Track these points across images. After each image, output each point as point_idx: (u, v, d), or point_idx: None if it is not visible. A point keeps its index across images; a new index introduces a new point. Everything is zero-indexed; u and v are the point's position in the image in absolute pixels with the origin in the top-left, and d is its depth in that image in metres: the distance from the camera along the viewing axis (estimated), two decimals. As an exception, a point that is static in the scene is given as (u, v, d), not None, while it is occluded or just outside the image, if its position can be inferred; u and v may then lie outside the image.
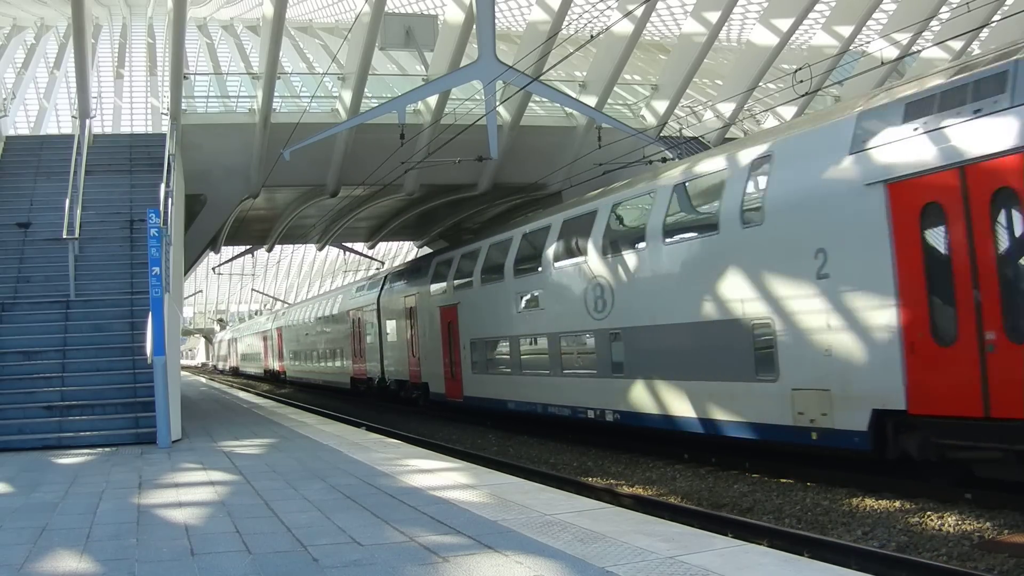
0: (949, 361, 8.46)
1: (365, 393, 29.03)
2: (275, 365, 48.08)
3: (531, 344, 17.03)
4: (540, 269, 16.11)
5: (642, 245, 13.24)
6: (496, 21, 17.16)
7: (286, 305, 57.56)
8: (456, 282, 20.06)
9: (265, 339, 51.76)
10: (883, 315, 9.08)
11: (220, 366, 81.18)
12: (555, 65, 18.25)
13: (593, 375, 14.57)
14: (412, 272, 24.32)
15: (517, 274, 17.08)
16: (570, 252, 15.34)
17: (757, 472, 11.35)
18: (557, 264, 15.56)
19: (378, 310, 26.34)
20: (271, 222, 27.54)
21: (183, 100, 18.38)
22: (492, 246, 18.60)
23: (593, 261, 14.38)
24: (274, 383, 47.60)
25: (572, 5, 18.37)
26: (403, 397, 24.49)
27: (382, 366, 26.14)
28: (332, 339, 33.68)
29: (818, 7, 20.64)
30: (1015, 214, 8.05)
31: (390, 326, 25.51)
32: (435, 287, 21.39)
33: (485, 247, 18.88)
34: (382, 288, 26.49)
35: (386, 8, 18.60)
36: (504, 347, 17.85)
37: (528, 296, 16.77)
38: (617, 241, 14.09)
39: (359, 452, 10.57)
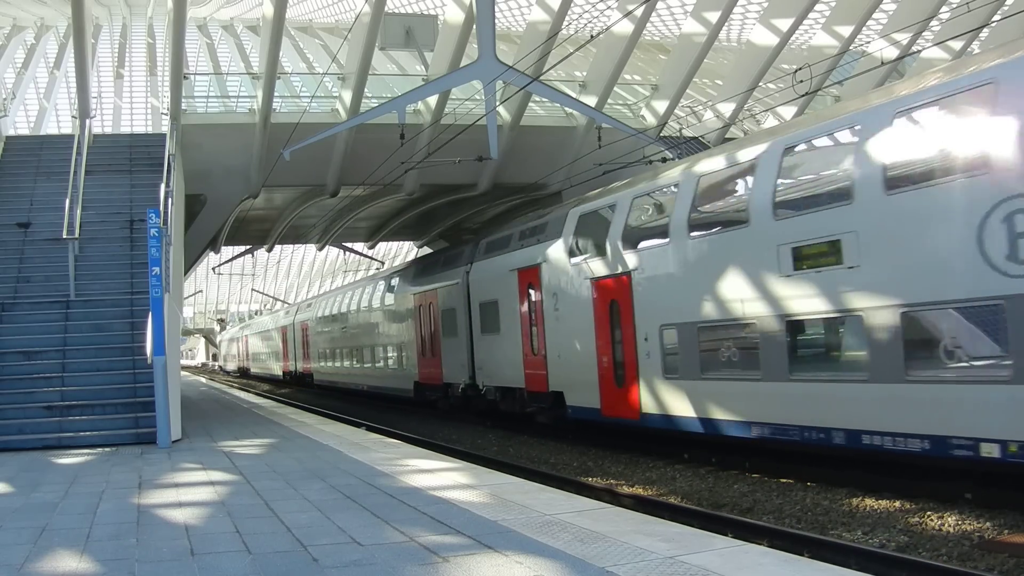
0: None
1: (437, 404, 22.06)
2: (298, 366, 40.50)
3: (818, 329, 10.69)
4: (851, 198, 9.56)
5: None
6: (496, 21, 17.18)
7: (311, 296, 50.61)
8: (627, 241, 13.42)
9: (285, 335, 43.86)
10: None
11: (226, 367, 74.74)
12: (555, 65, 18.25)
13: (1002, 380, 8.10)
14: (528, 235, 17.00)
15: (786, 212, 10.56)
16: (947, 162, 8.79)
17: (757, 472, 11.36)
18: (897, 190, 9.09)
19: (467, 290, 19.54)
20: (271, 222, 27.54)
21: (183, 100, 18.37)
22: (708, 178, 12.22)
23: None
24: (297, 387, 40.87)
25: (572, 5, 18.37)
26: (505, 411, 18.12)
27: (472, 367, 19.36)
28: (384, 333, 26.74)
29: (818, 7, 20.64)
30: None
31: (487, 312, 18.55)
32: (579, 251, 14.81)
33: (693, 181, 12.32)
34: (472, 262, 19.64)
35: (386, 8, 18.59)
36: (743, 335, 11.26)
37: (814, 245, 10.09)
38: None
39: (359, 452, 10.57)
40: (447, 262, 21.63)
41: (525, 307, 16.60)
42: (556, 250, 15.43)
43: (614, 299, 13.67)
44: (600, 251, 14.13)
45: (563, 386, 15.31)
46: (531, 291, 16.32)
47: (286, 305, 55.86)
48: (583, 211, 15.12)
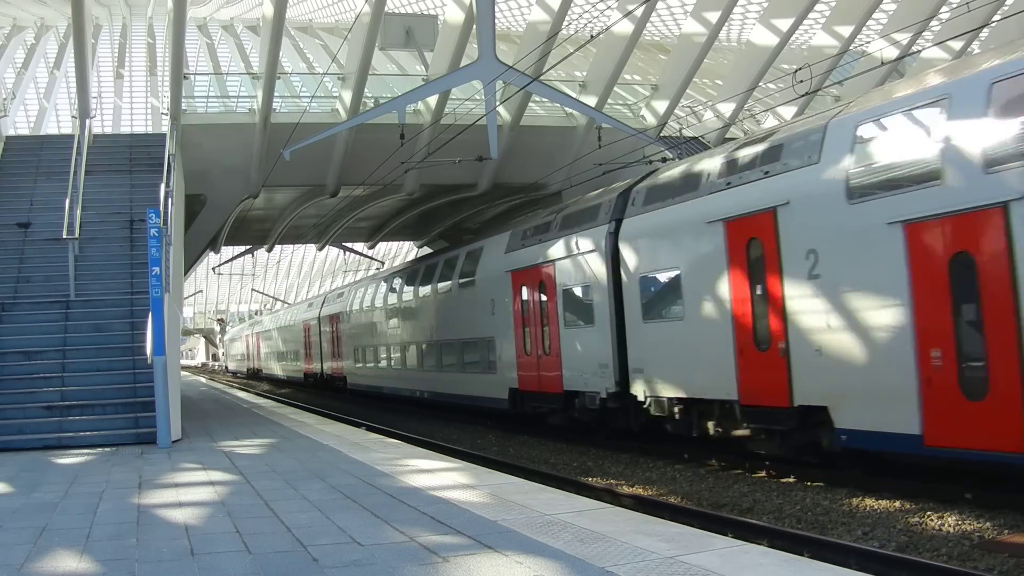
0: None
1: (548, 419, 16.49)
2: (326, 367, 34.44)
3: None
4: None
5: None
6: (496, 21, 17.18)
7: (340, 285, 44.13)
8: (1001, 153, 8.19)
9: (308, 332, 37.91)
10: None
11: (232, 367, 69.25)
12: (555, 65, 18.25)
13: None
14: (743, 166, 11.58)
15: None
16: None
17: (757, 472, 11.35)
18: None
19: (611, 259, 13.94)
20: (271, 222, 27.55)
21: (183, 100, 18.37)
22: None
23: None
24: (326, 391, 34.73)
25: (572, 5, 18.37)
26: (680, 432, 12.85)
27: (622, 370, 13.75)
28: (457, 324, 20.47)
29: (818, 7, 20.63)
30: None
31: (654, 289, 13.21)
32: (871, 183, 9.49)
33: None
34: (619, 217, 14.02)
35: (386, 8, 18.59)
36: None
37: None
38: None
39: (359, 452, 10.57)
40: (568, 223, 15.59)
41: (739, 278, 11.25)
42: (815, 182, 10.14)
43: (963, 255, 8.50)
44: (923, 175, 8.81)
45: (826, 397, 10.03)
46: (755, 251, 11.03)
47: (307, 298, 48.66)
48: (873, 113, 9.70)
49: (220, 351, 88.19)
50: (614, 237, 13.97)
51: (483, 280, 19.01)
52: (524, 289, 16.99)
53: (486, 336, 18.70)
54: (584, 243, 14.80)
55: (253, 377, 55.08)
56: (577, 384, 14.96)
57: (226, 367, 74.05)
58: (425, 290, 22.95)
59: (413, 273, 24.56)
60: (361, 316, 29.32)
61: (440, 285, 21.84)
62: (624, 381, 13.72)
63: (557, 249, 15.69)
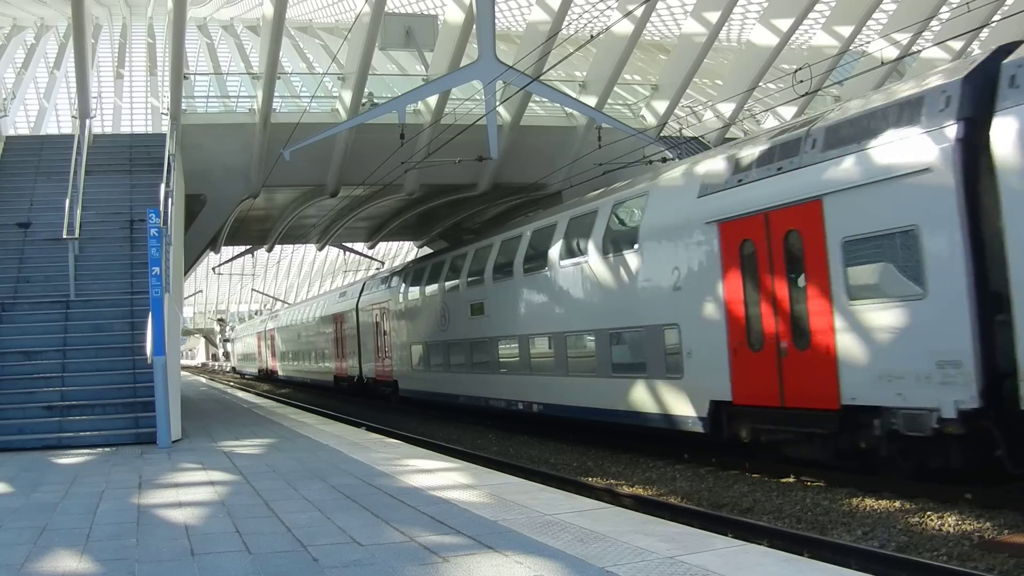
0: None
1: (785, 449, 11.17)
2: (368, 368, 28.26)
3: None
4: None
5: None
6: (496, 21, 17.17)
7: (384, 268, 37.45)
8: None
9: (340, 326, 31.71)
10: None
11: (240, 369, 62.47)
12: (555, 65, 18.25)
13: None
14: None
15: None
16: None
17: (757, 472, 11.35)
18: None
19: (967, 175, 8.77)
20: (271, 222, 27.55)
21: (183, 100, 18.38)
22: None
23: None
24: (365, 400, 28.48)
25: (572, 5, 18.37)
26: None
27: (987, 371, 8.46)
28: (584, 307, 15.03)
29: (818, 7, 20.64)
30: None
31: None
32: None
33: None
34: (993, 94, 8.68)
35: (386, 8, 18.59)
36: None
37: None
38: None
39: (359, 452, 10.57)
40: (843, 136, 10.16)
41: None
42: None
43: None
44: None
45: None
46: None
47: (345, 286, 38.79)
48: None
49: (221, 350, 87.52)
50: (968, 144, 8.74)
51: (654, 241, 13.18)
52: (747, 247, 11.24)
53: (662, 323, 12.96)
54: (895, 159, 9.35)
55: (267, 379, 48.28)
56: (875, 395, 9.49)
57: (231, 368, 68.53)
58: (540, 263, 16.51)
59: (512, 242, 18.06)
60: (420, 303, 23.33)
61: (564, 258, 15.63)
62: (997, 389, 8.44)
63: (826, 177, 10.13)
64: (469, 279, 20.02)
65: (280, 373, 45.03)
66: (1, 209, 16.03)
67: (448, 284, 21.30)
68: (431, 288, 22.39)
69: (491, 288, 18.78)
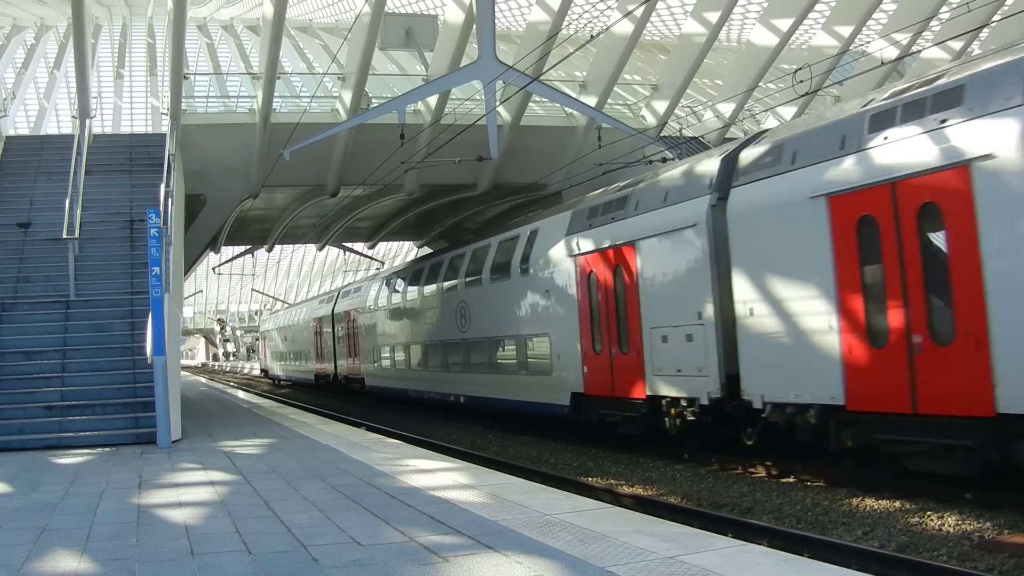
0: None
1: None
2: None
3: None
4: None
5: None
6: (496, 21, 17.18)
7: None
8: None
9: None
10: None
11: (274, 371, 46.74)
12: (555, 65, 18.25)
13: None
14: None
15: None
16: None
17: (757, 472, 11.35)
18: None
19: None
20: (271, 222, 27.56)
21: (183, 100, 18.38)
22: None
23: None
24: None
25: (572, 5, 18.38)
26: None
27: None
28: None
29: (818, 7, 20.65)
30: None
31: None
32: None
33: None
34: None
35: (386, 8, 18.60)
36: None
37: None
38: None
39: (359, 452, 10.57)
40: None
41: None
42: None
43: None
44: None
45: None
46: None
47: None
48: None
49: (221, 350, 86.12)
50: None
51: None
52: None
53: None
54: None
55: (326, 386, 34.06)
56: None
57: (263, 371, 52.28)
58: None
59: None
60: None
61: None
62: None
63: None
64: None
65: (369, 382, 29.17)
66: (1, 209, 16.03)
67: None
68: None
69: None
